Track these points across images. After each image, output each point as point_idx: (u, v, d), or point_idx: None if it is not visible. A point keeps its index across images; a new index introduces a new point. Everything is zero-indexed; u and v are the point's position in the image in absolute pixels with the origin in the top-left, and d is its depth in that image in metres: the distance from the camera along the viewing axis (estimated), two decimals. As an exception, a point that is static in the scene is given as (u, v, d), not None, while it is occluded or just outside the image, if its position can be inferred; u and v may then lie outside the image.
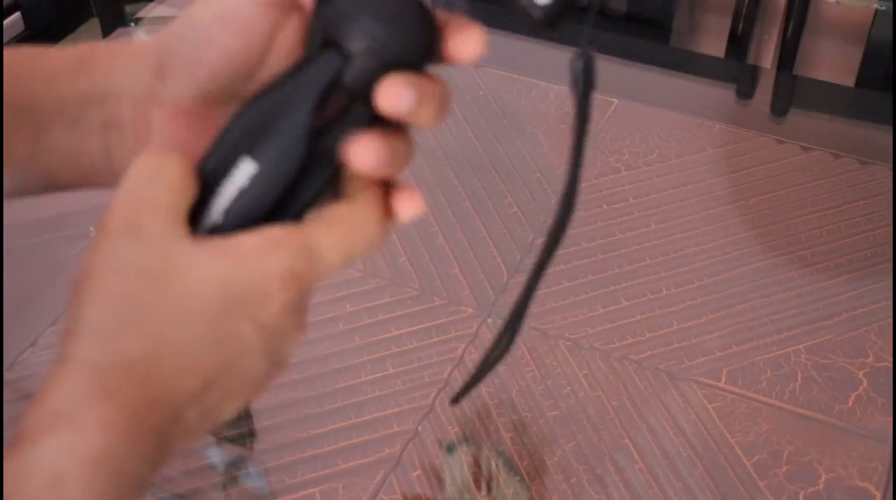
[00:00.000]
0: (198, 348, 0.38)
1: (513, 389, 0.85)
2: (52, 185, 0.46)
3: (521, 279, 0.92)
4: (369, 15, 0.41)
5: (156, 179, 0.40)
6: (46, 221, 1.00)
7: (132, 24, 1.30)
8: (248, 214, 0.41)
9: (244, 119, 0.42)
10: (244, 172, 0.41)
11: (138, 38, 1.29)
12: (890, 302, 0.91)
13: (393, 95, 0.41)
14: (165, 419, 0.38)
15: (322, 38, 0.43)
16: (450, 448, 0.81)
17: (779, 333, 0.89)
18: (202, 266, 0.39)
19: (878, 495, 0.77)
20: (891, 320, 0.90)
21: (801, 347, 0.88)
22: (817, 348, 0.88)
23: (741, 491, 0.77)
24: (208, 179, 0.42)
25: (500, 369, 0.86)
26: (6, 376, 0.84)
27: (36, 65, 0.44)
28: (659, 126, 1.14)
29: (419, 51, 0.43)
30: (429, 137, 1.10)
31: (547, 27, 0.43)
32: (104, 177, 0.45)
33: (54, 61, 0.45)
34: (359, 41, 0.41)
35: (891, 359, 0.87)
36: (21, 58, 0.44)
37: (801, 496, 0.77)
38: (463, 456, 0.81)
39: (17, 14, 1.18)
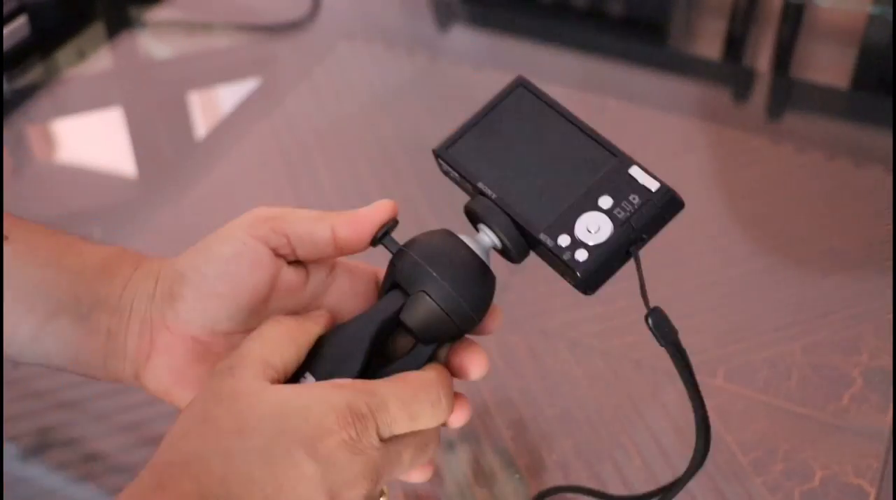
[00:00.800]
0: (250, 459, 0.40)
1: (512, 387, 0.86)
2: (45, 364, 0.48)
3: (521, 278, 0.92)
4: (439, 270, 0.47)
5: (260, 335, 0.45)
6: (51, 222, 1.00)
7: (137, 27, 1.30)
8: None
9: (318, 342, 0.48)
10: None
11: (145, 44, 1.30)
12: (884, 301, 0.92)
13: (475, 362, 0.49)
14: None
15: (391, 283, 0.49)
16: (450, 446, 0.82)
17: (775, 332, 0.90)
18: (270, 393, 0.42)
19: (873, 492, 0.78)
20: (885, 319, 0.91)
21: (796, 345, 0.89)
22: (813, 346, 0.89)
23: (738, 488, 0.78)
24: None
25: (500, 368, 0.87)
26: (12, 374, 0.85)
27: (66, 258, 0.47)
28: (655, 128, 1.15)
29: (474, 323, 0.49)
30: (429, 138, 1.11)
31: (586, 290, 0.50)
32: (97, 374, 0.48)
33: (82, 259, 0.47)
34: (420, 286, 0.47)
35: (885, 357, 0.88)
36: (55, 245, 0.47)
37: (796, 493, 0.78)
38: (463, 454, 0.81)
39: (23, 17, 1.18)
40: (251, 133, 1.15)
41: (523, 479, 0.79)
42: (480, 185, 0.49)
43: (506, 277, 0.98)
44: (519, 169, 0.49)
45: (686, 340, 0.90)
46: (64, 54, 1.23)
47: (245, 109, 1.20)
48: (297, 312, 0.49)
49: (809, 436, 0.82)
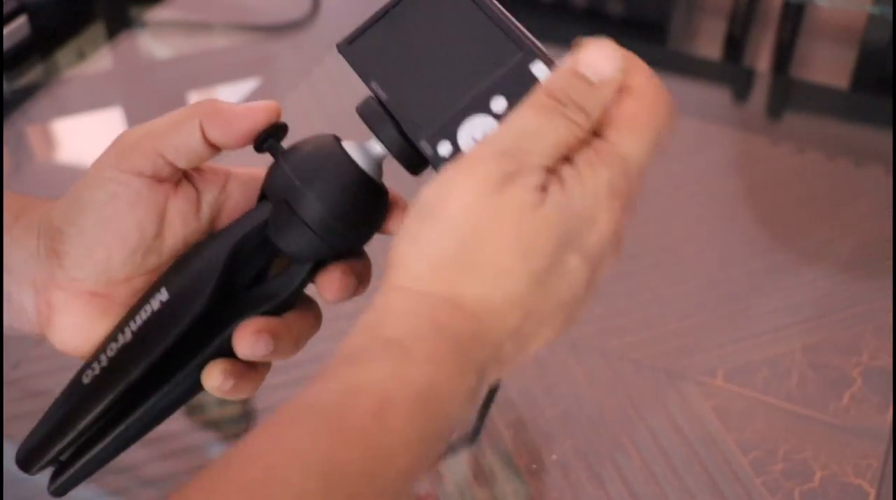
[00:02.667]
0: (529, 284, 0.37)
1: (512, 387, 0.86)
2: None
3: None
4: (307, 183, 0.42)
5: (534, 137, 0.39)
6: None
7: (137, 27, 1.30)
8: (154, 339, 0.43)
9: (176, 260, 0.44)
10: (157, 299, 0.43)
11: (145, 44, 1.30)
12: (884, 301, 0.92)
13: (335, 285, 0.43)
14: (487, 355, 0.37)
15: (261, 194, 0.44)
16: (449, 446, 0.82)
17: (775, 331, 0.90)
18: (546, 208, 0.37)
19: (873, 492, 0.78)
20: (885, 319, 0.91)
21: (796, 345, 0.89)
22: (813, 346, 0.89)
23: (738, 488, 0.78)
24: (136, 304, 0.44)
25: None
26: (11, 374, 0.85)
27: None
28: (656, 128, 1.15)
29: (354, 242, 0.44)
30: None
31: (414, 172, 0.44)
32: (9, 334, 0.46)
33: None
34: (283, 196, 0.42)
35: (885, 357, 0.88)
36: None
37: (796, 493, 0.78)
38: (463, 454, 0.81)
39: (23, 18, 1.18)
40: (251, 133, 1.14)
41: (523, 479, 0.79)
42: (373, 85, 0.43)
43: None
44: (418, 67, 0.43)
45: (686, 339, 0.90)
46: (64, 54, 1.23)
47: (245, 109, 1.19)
48: (195, 241, 0.45)
49: (809, 436, 0.82)
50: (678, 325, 0.91)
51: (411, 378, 0.35)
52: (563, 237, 0.37)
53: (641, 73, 0.42)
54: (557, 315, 0.39)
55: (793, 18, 1.25)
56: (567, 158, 0.39)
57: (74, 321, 0.44)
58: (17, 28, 1.18)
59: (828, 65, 1.26)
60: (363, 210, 0.43)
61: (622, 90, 0.41)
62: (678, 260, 0.98)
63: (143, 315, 0.43)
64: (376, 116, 0.43)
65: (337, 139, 0.44)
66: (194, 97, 1.26)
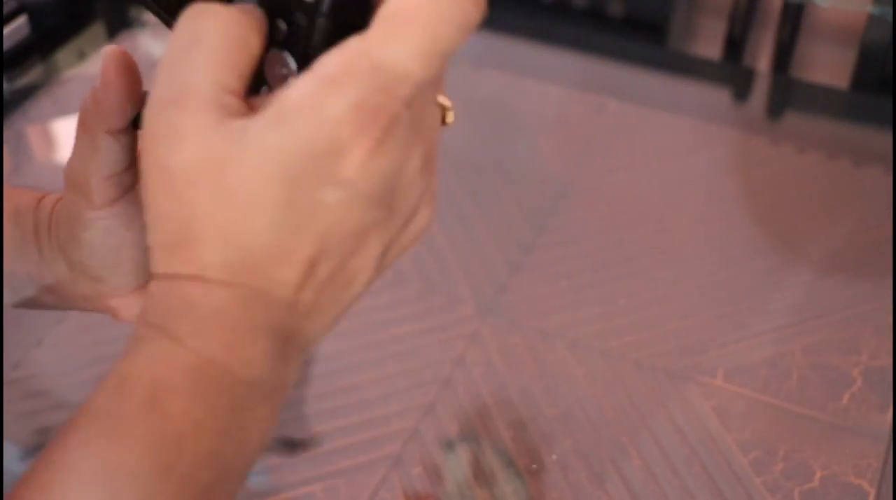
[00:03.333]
0: (279, 236, 0.32)
1: (512, 387, 0.86)
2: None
3: (521, 278, 0.93)
4: None
5: (192, 48, 0.34)
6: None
7: (137, 27, 1.30)
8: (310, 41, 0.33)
9: None
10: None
11: (145, 43, 1.30)
12: (884, 302, 0.92)
13: None
14: (275, 313, 0.33)
15: None
16: (450, 446, 0.82)
17: (775, 332, 0.90)
18: (255, 148, 0.32)
19: (872, 491, 0.78)
20: (885, 319, 0.91)
21: (796, 346, 0.89)
22: (813, 346, 0.89)
23: (738, 488, 0.78)
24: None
25: (500, 367, 0.87)
26: (11, 374, 0.85)
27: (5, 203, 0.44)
28: (655, 128, 1.15)
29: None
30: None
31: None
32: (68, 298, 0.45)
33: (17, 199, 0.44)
34: None
35: (885, 357, 0.88)
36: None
37: (796, 493, 0.78)
38: (463, 454, 0.81)
39: (23, 18, 1.18)
40: (251, 133, 1.15)
41: (523, 479, 0.79)
42: None
43: (506, 277, 0.98)
44: None
45: (686, 340, 0.90)
46: (64, 54, 1.23)
47: (245, 109, 1.20)
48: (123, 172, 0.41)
49: (809, 436, 0.82)
50: (678, 325, 0.91)
51: (178, 358, 0.33)
52: (289, 172, 0.31)
53: None
54: (348, 250, 0.34)
55: (793, 18, 1.25)
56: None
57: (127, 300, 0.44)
58: (18, 28, 1.18)
59: (828, 65, 1.26)
60: None
61: None
62: (678, 260, 0.98)
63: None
64: None
65: None
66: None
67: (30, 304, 0.46)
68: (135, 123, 0.40)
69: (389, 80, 0.31)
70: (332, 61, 0.31)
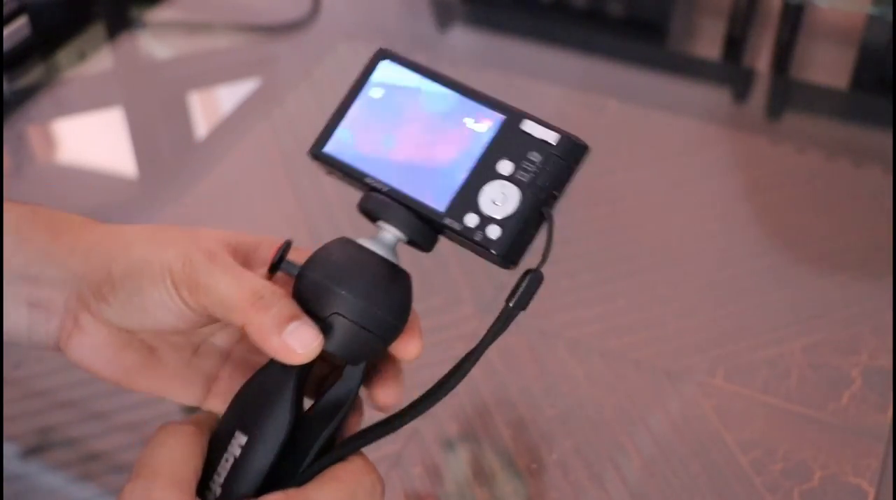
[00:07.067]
0: None
1: (512, 387, 0.86)
2: None
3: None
4: (346, 287, 0.43)
5: (165, 447, 0.43)
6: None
7: (138, 27, 1.30)
8: (243, 484, 0.43)
9: (238, 397, 0.44)
10: (236, 444, 0.43)
11: (146, 44, 1.30)
12: (884, 301, 0.93)
13: (410, 347, 0.46)
14: None
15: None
16: (450, 446, 0.82)
17: (775, 331, 0.90)
18: None
19: (872, 491, 0.78)
20: (885, 319, 0.91)
21: (796, 345, 0.89)
22: (812, 346, 0.89)
23: (737, 488, 0.78)
24: (212, 455, 0.44)
25: (500, 368, 0.87)
26: (12, 374, 0.85)
27: None
28: (655, 128, 1.15)
29: (399, 329, 0.45)
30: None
31: (507, 265, 0.44)
32: (24, 343, 0.46)
33: None
34: (332, 308, 0.43)
35: (884, 357, 0.88)
36: None
37: (795, 493, 0.78)
38: (463, 454, 0.81)
39: (24, 18, 1.18)
40: (251, 133, 1.15)
41: (523, 479, 0.80)
42: (368, 179, 0.45)
43: (506, 277, 0.98)
44: (405, 150, 0.44)
45: (686, 340, 0.90)
46: (64, 55, 1.23)
47: (245, 109, 1.20)
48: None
49: (809, 436, 0.82)
50: (678, 325, 0.91)
51: None
52: None
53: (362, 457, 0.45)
54: None
55: (792, 19, 1.26)
56: None
57: (95, 343, 0.45)
58: (18, 28, 1.18)
59: (827, 65, 1.26)
60: (401, 297, 0.44)
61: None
62: (678, 260, 0.98)
63: (227, 465, 0.44)
64: (385, 207, 0.44)
65: (350, 240, 0.45)
66: (194, 97, 1.26)
67: None
68: (273, 268, 0.46)
69: None
70: (276, 497, 0.42)
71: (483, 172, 0.43)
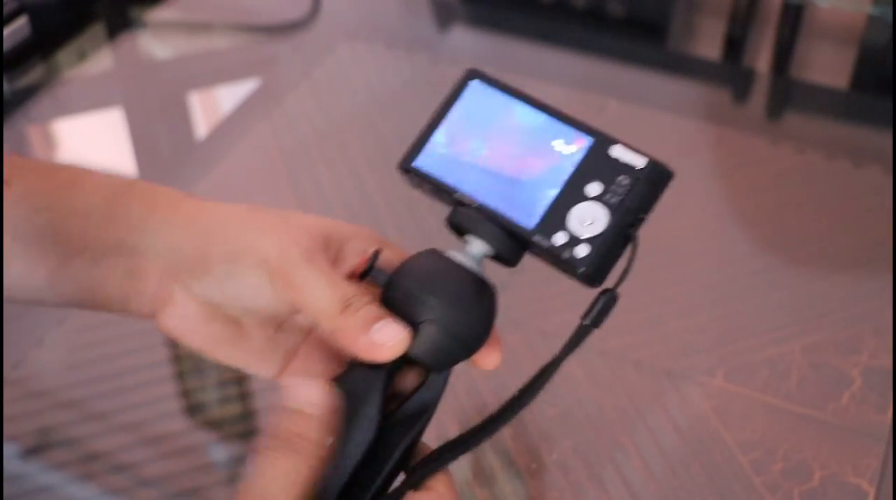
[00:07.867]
0: None
1: (512, 387, 0.86)
2: (69, 305, 0.48)
3: (521, 278, 0.93)
4: (439, 296, 0.44)
5: (274, 481, 0.42)
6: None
7: (138, 27, 1.30)
8: (325, 488, 0.43)
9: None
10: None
11: (146, 44, 1.30)
12: (884, 301, 0.93)
13: (491, 358, 0.47)
14: None
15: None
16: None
17: (775, 331, 0.91)
18: None
19: (872, 491, 0.78)
20: (885, 319, 0.91)
21: (796, 345, 0.89)
22: (812, 346, 0.89)
23: (737, 488, 0.78)
24: None
25: (500, 367, 0.87)
26: (12, 374, 0.85)
27: (70, 200, 0.46)
28: (655, 128, 1.15)
29: (481, 341, 0.46)
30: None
31: (593, 284, 0.46)
32: (119, 311, 0.48)
33: (86, 199, 0.46)
34: (422, 316, 0.44)
35: (884, 357, 0.88)
36: (56, 185, 0.46)
37: (795, 493, 0.78)
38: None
39: (24, 18, 1.18)
40: (251, 133, 1.15)
41: (522, 479, 0.80)
42: (458, 195, 0.46)
43: (505, 277, 0.98)
44: (493, 168, 0.46)
45: (686, 340, 0.90)
46: (64, 55, 1.23)
47: (245, 109, 1.20)
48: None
49: (809, 436, 0.82)
50: (678, 325, 0.91)
51: None
52: None
53: (444, 479, 0.45)
54: None
55: (792, 18, 1.26)
56: None
57: (185, 314, 0.47)
58: (18, 28, 1.18)
59: (827, 65, 1.26)
60: (489, 309, 0.46)
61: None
62: (678, 260, 0.98)
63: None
64: (475, 221, 0.46)
65: (439, 252, 0.46)
66: (194, 97, 1.26)
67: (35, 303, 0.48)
68: (363, 275, 0.46)
69: None
70: None
71: (572, 192, 0.45)
